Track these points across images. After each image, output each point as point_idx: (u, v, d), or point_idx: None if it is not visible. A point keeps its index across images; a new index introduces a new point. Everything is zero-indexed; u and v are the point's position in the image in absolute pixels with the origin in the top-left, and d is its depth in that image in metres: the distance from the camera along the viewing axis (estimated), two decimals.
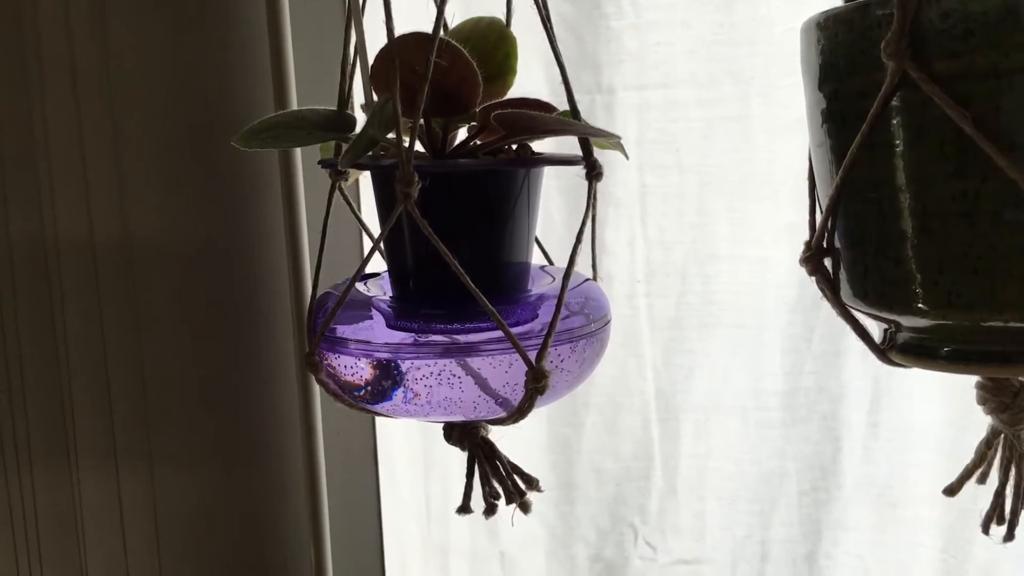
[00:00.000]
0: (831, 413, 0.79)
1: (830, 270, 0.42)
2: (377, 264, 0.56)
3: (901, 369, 0.77)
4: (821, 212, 0.42)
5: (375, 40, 0.49)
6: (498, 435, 0.52)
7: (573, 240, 0.49)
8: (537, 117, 0.45)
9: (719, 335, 0.80)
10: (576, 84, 0.52)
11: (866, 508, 0.80)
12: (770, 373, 0.80)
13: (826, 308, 0.77)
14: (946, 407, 0.77)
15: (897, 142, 0.36)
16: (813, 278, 0.42)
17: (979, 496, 0.47)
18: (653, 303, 0.81)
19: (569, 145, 0.54)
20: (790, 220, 0.76)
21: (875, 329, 0.43)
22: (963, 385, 0.76)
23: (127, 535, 0.87)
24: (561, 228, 0.80)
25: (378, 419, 0.86)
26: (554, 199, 0.81)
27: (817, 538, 0.82)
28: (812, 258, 0.42)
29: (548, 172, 0.78)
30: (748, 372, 0.80)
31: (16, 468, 0.88)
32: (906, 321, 0.39)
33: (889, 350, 0.41)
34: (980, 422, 0.76)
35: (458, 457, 0.87)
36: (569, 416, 0.84)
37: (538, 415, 0.85)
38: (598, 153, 0.51)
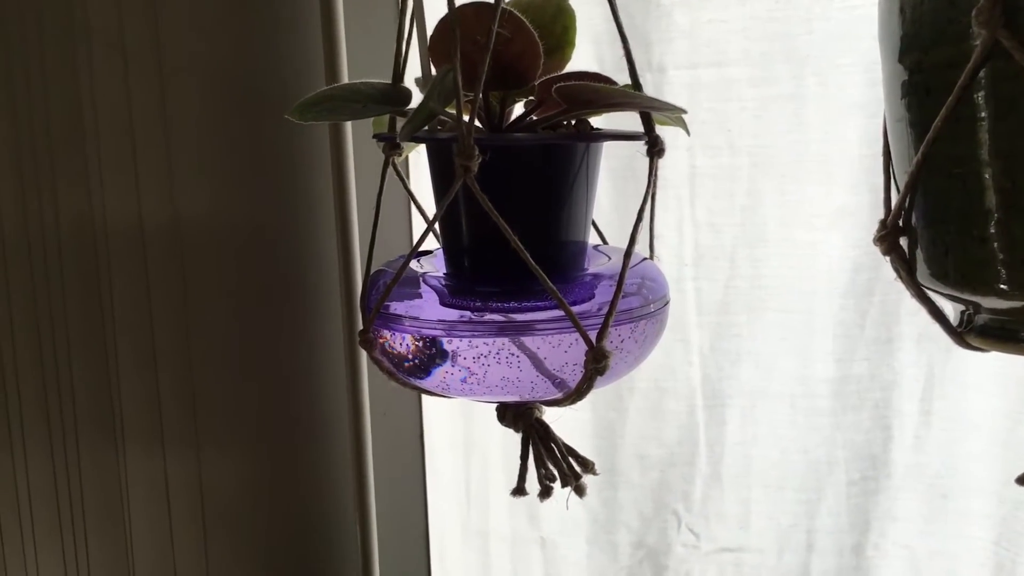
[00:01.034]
0: (883, 401, 0.78)
1: (906, 250, 0.40)
2: (430, 242, 0.56)
3: (955, 358, 0.76)
4: (897, 189, 0.40)
5: (428, 11, 0.48)
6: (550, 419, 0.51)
7: (620, 221, 0.47)
8: (601, 89, 0.44)
9: (768, 320, 0.79)
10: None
11: (916, 499, 0.79)
12: (820, 360, 0.78)
13: (879, 294, 0.76)
14: (1001, 398, 0.75)
15: (985, 115, 0.34)
16: (888, 258, 0.41)
17: None
18: (700, 287, 0.80)
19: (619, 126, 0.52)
20: (843, 203, 0.75)
21: (950, 311, 0.41)
22: (1020, 376, 0.75)
23: (173, 514, 0.87)
24: (608, 209, 0.79)
25: (424, 401, 0.85)
26: (601, 180, 0.79)
27: (865, 528, 0.80)
28: (887, 237, 0.40)
29: None
30: (797, 358, 0.79)
31: (63, 448, 0.88)
32: (987, 303, 0.37)
33: (967, 333, 0.40)
34: None
35: (498, 442, 0.87)
36: (614, 401, 0.83)
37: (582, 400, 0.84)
38: None
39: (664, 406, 0.82)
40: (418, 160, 0.59)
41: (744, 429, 0.81)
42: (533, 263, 0.42)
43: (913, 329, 0.76)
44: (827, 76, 0.73)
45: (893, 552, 0.80)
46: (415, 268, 0.52)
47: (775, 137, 0.75)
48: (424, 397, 0.84)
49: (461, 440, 0.88)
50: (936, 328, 0.41)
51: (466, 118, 0.43)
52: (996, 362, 0.74)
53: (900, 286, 0.41)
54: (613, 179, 0.79)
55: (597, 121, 0.51)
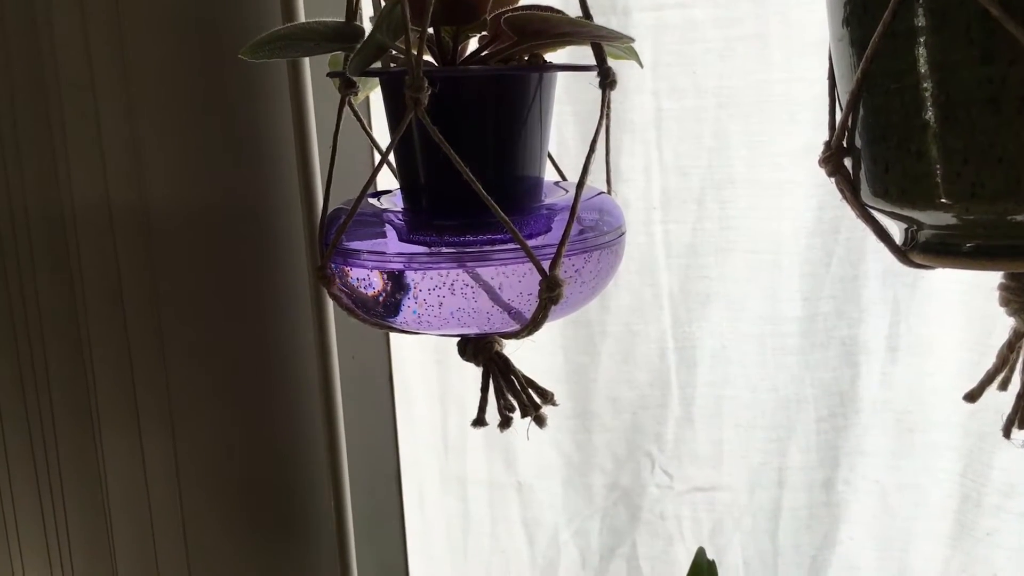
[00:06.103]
0: (850, 338, 0.79)
1: (850, 170, 0.41)
2: (391, 182, 0.56)
3: (920, 294, 0.77)
4: (841, 111, 0.41)
5: None
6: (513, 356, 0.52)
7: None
8: (549, 18, 0.44)
9: (736, 261, 0.80)
10: (590, 6, 0.50)
11: (884, 433, 0.80)
12: (788, 299, 0.79)
13: (845, 231, 0.77)
14: (966, 331, 0.76)
15: (920, 28, 0.35)
16: (833, 179, 0.41)
17: (1000, 414, 0.46)
18: (669, 229, 0.80)
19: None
20: (808, 141, 0.75)
21: (896, 231, 0.42)
22: (983, 309, 0.76)
23: (148, 473, 0.88)
24: (575, 154, 0.79)
25: (393, 345, 0.86)
26: (569, 125, 0.80)
27: (835, 464, 0.82)
28: (832, 158, 0.41)
29: (561, 98, 0.77)
30: (766, 298, 0.80)
31: (38, 412, 0.89)
32: (928, 218, 0.38)
33: (911, 251, 0.40)
34: (999, 345, 0.75)
35: (474, 387, 0.87)
36: (585, 345, 0.84)
37: (554, 344, 0.85)
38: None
39: (635, 349, 0.83)
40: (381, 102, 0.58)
41: (714, 370, 0.82)
42: (484, 193, 0.43)
43: (879, 266, 0.76)
44: (789, 14, 0.73)
45: (863, 487, 0.82)
46: (375, 205, 0.52)
47: (740, 77, 0.76)
48: (392, 341, 0.85)
49: (436, 387, 0.89)
50: (901, 264, 0.42)
51: (416, 51, 0.43)
52: (959, 295, 0.75)
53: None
54: (581, 128, 0.80)
55: (555, 59, 0.51)
